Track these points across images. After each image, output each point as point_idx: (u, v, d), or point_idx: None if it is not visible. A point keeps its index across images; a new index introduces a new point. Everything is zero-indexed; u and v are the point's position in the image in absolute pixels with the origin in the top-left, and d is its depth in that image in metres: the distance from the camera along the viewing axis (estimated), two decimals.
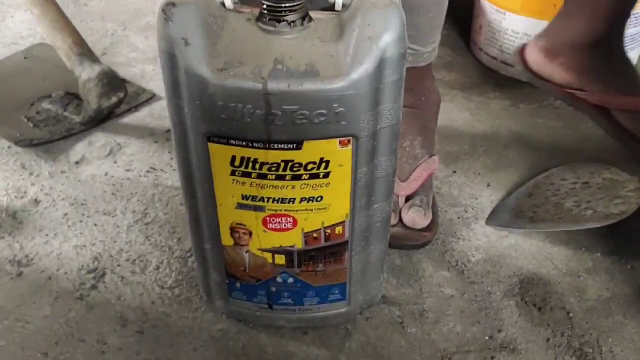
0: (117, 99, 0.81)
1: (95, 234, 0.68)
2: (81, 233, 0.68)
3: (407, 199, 0.67)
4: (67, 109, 0.86)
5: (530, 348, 0.55)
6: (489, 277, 0.62)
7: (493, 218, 0.68)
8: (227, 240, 0.51)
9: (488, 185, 0.74)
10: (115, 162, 0.79)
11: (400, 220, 0.65)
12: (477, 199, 0.72)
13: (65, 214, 0.70)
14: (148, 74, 0.99)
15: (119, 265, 0.63)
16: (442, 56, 1.04)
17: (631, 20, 0.86)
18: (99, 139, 0.83)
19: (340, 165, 0.46)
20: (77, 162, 0.79)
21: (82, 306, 0.59)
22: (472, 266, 0.63)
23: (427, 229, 0.65)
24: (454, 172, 0.76)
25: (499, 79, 0.96)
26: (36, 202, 0.72)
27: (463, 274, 0.62)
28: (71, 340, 0.56)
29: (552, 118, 0.86)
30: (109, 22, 1.17)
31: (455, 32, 1.08)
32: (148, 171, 0.77)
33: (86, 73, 0.79)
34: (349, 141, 0.45)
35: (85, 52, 0.80)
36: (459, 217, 0.70)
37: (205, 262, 0.54)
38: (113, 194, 0.74)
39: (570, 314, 0.58)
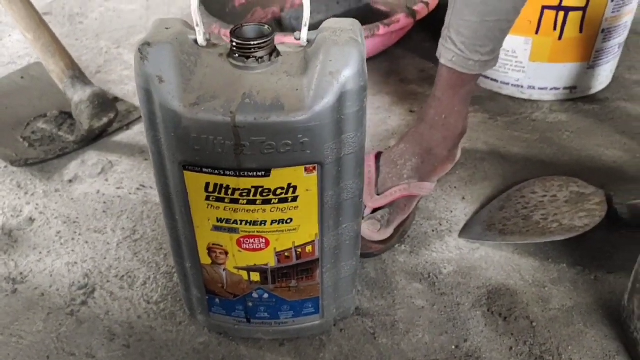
0: (108, 119, 0.84)
1: (86, 251, 0.71)
2: (73, 250, 0.71)
3: (375, 210, 0.70)
4: (61, 128, 0.90)
5: (494, 357, 0.58)
6: (459, 289, 0.65)
7: (466, 231, 0.72)
8: (205, 259, 0.54)
9: (463, 198, 0.77)
10: (106, 180, 0.83)
11: None
12: (452, 212, 0.75)
13: (59, 232, 0.74)
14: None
15: (108, 281, 0.67)
16: (426, 70, 1.07)
17: (605, 35, 0.89)
18: (92, 158, 0.87)
19: (307, 190, 0.49)
20: (70, 181, 0.83)
21: (72, 321, 0.62)
22: (444, 278, 0.66)
23: (381, 242, 0.68)
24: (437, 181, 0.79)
25: (479, 92, 0.99)
26: (31, 220, 0.76)
27: (434, 285, 0.66)
28: (62, 354, 0.59)
29: (527, 131, 0.89)
30: (103, 40, 1.21)
31: None
32: (138, 189, 0.81)
33: (78, 95, 0.83)
34: (314, 168, 0.48)
35: (76, 75, 0.84)
36: (433, 230, 0.73)
37: (186, 279, 0.58)
38: (104, 211, 0.77)
39: (534, 323, 0.61)
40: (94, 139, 0.88)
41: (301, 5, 1.20)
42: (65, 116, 0.92)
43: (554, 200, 0.71)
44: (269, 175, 0.48)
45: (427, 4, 0.98)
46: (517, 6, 0.68)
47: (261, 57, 0.47)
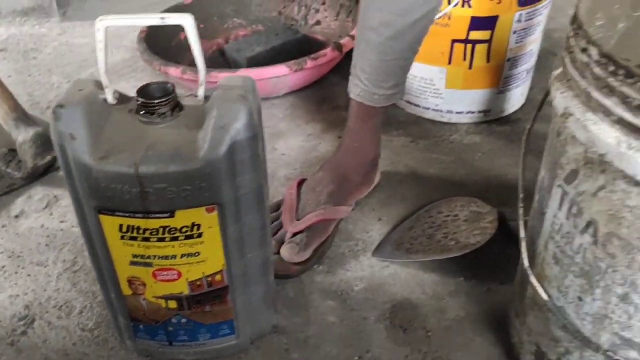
0: (50, 157, 0.90)
1: (28, 283, 0.77)
2: (16, 283, 0.77)
3: (296, 234, 0.77)
4: (9, 165, 0.95)
5: None
6: (367, 304, 0.72)
7: (378, 250, 0.79)
8: (126, 290, 0.60)
9: (379, 219, 0.85)
10: (51, 214, 0.89)
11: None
12: (368, 232, 0.83)
13: (3, 267, 0.79)
14: None
15: (47, 311, 0.72)
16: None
17: (512, 63, 0.97)
18: (38, 193, 0.93)
19: (210, 227, 0.56)
20: (16, 216, 0.88)
21: (12, 351, 0.68)
22: (355, 295, 0.73)
23: (299, 264, 0.75)
24: (353, 208, 0.86)
25: (404, 117, 1.06)
26: None
27: (345, 302, 0.72)
28: None
29: (445, 153, 0.97)
30: (55, 74, 1.26)
31: None
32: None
33: (22, 136, 0.89)
34: (214, 208, 0.55)
35: (20, 116, 0.90)
36: (350, 251, 0.80)
37: (113, 308, 0.64)
38: (47, 245, 0.83)
39: (429, 333, 0.68)
40: (40, 174, 0.94)
41: (243, 37, 1.27)
42: (14, 153, 0.97)
43: (456, 219, 0.79)
44: (173, 216, 0.54)
45: (352, 37, 1.06)
46: (413, 47, 0.75)
47: (164, 113, 0.54)
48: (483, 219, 0.77)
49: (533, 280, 0.54)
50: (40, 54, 1.36)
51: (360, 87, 0.77)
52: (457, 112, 1.02)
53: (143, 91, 0.54)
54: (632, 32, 0.43)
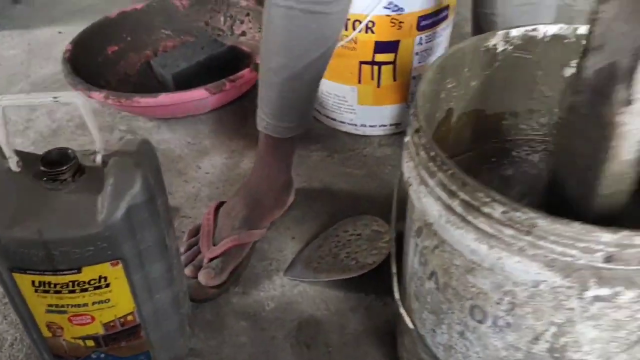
0: None
1: None
2: None
3: (212, 259, 0.84)
4: None
5: None
6: (276, 323, 0.80)
7: (289, 269, 0.86)
8: (46, 333, 0.66)
9: (293, 238, 0.92)
10: None
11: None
12: (282, 252, 0.90)
13: None
14: (18, 147, 1.12)
15: None
16: None
17: (417, 80, 1.04)
18: None
19: (116, 278, 0.62)
20: None
21: None
22: (266, 315, 0.81)
23: (216, 288, 0.82)
24: (269, 228, 0.93)
25: (323, 129, 1.13)
26: None
27: (257, 322, 0.80)
28: None
29: (357, 167, 1.04)
30: None
31: None
32: None
33: None
34: (117, 262, 0.61)
35: None
36: (264, 270, 0.87)
37: (36, 345, 0.70)
38: None
39: (330, 349, 0.76)
40: None
41: (172, 47, 1.30)
42: None
43: (358, 238, 0.87)
44: (80, 272, 0.60)
45: None
46: (312, 85, 0.82)
47: (65, 180, 0.59)
48: (381, 238, 0.85)
49: (402, 310, 0.63)
50: None
51: (265, 120, 0.83)
52: (370, 126, 1.09)
53: (45, 159, 0.60)
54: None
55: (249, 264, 0.88)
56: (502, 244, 0.44)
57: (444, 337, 0.57)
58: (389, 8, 0.92)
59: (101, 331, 0.66)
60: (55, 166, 0.59)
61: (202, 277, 0.82)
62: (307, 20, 0.72)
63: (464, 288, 0.51)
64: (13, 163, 0.60)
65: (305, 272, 0.85)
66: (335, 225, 0.91)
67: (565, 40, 0.61)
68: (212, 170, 1.05)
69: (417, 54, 1.00)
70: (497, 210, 0.43)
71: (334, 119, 1.11)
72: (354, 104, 1.06)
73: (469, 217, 0.45)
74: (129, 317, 0.66)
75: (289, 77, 0.78)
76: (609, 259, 0.41)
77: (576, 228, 0.40)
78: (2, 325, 0.80)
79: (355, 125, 1.09)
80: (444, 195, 0.47)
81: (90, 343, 0.67)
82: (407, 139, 0.55)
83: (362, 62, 1.00)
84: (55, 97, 0.58)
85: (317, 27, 0.73)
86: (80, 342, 0.67)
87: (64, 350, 0.68)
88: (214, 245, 0.85)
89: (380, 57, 0.99)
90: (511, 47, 0.61)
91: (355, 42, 0.97)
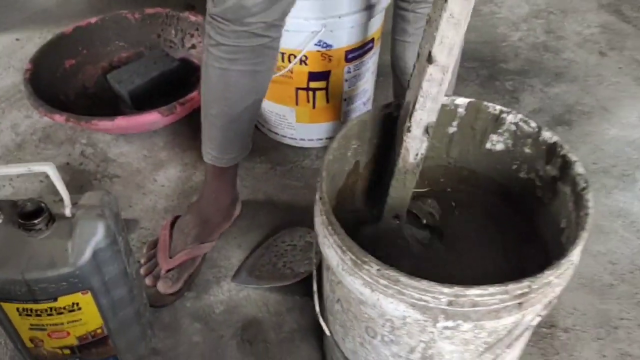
0: None
1: None
2: None
3: (169, 270, 0.98)
4: None
5: None
6: (224, 324, 0.95)
7: (235, 276, 1.01)
8: (29, 344, 0.80)
9: (239, 246, 1.06)
10: None
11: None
12: (229, 260, 1.04)
13: None
14: None
15: None
16: None
17: (348, 102, 1.17)
18: None
19: (86, 303, 0.76)
20: None
21: None
22: (215, 317, 0.96)
23: (173, 295, 0.96)
24: (218, 238, 1.07)
25: (267, 142, 1.26)
26: None
27: (208, 324, 0.95)
28: None
29: (296, 179, 1.19)
30: None
31: None
32: None
33: None
34: (87, 291, 0.74)
35: None
36: (214, 277, 1.02)
37: (21, 353, 0.84)
38: None
39: (269, 345, 0.92)
40: None
41: (126, 58, 1.40)
42: None
43: (294, 248, 1.02)
44: (56, 300, 0.74)
45: None
46: (250, 123, 0.95)
47: (40, 229, 0.72)
48: (312, 250, 1.00)
49: (321, 321, 0.78)
50: None
51: (210, 154, 0.96)
52: (309, 139, 1.22)
53: (22, 212, 0.72)
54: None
55: (201, 271, 1.02)
56: (378, 290, 0.60)
57: (351, 344, 0.73)
58: (319, 45, 1.05)
59: (75, 342, 0.80)
60: (30, 218, 0.71)
61: (160, 287, 0.96)
62: (240, 77, 0.84)
63: (359, 314, 0.67)
64: None
65: (249, 279, 1.00)
66: (275, 236, 1.06)
67: (446, 108, 0.75)
68: (167, 183, 1.18)
69: (346, 80, 1.13)
70: (373, 268, 0.58)
71: (276, 133, 1.24)
72: (293, 122, 1.19)
73: (356, 269, 0.60)
74: (98, 331, 0.80)
75: (228, 120, 0.91)
76: (450, 303, 0.57)
77: (425, 284, 0.56)
78: None
79: (295, 139, 1.23)
80: (339, 252, 0.62)
81: (67, 351, 0.82)
82: (317, 195, 0.69)
83: (298, 88, 1.13)
84: (29, 168, 0.69)
85: (249, 81, 0.85)
86: (58, 350, 0.81)
87: (44, 356, 0.82)
88: (170, 258, 0.99)
89: (314, 84, 1.12)
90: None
91: (292, 72, 1.10)
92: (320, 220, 0.65)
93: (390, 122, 0.76)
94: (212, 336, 0.93)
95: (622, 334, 0.93)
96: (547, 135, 0.71)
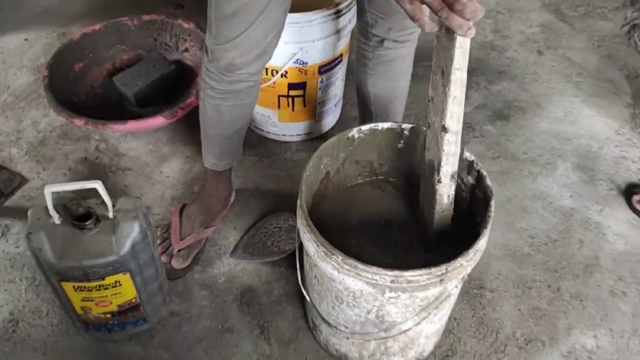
0: None
1: (7, 297, 1.18)
2: None
3: (180, 250, 1.22)
4: None
5: (241, 330, 1.15)
6: (226, 291, 1.20)
7: (233, 253, 1.26)
8: (80, 312, 1.05)
9: (235, 228, 1.31)
10: (7, 241, 1.27)
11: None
12: (227, 239, 1.29)
13: None
14: (14, 157, 1.42)
15: (25, 315, 1.15)
16: None
17: (321, 105, 1.40)
18: None
19: (126, 281, 1.00)
20: None
21: (10, 344, 1.12)
22: (219, 286, 1.21)
23: (184, 269, 1.21)
24: (217, 224, 1.31)
25: (254, 138, 1.48)
26: None
27: (213, 291, 1.20)
28: None
29: (280, 169, 1.42)
30: None
31: None
32: None
33: None
34: (126, 272, 0.98)
35: None
36: (216, 254, 1.26)
37: (71, 317, 1.08)
38: (11, 266, 1.23)
39: (262, 306, 1.18)
40: None
41: (127, 60, 1.59)
42: None
43: (280, 230, 1.27)
44: (104, 280, 0.98)
45: None
46: (240, 139, 1.17)
47: (90, 228, 0.95)
48: (294, 231, 1.25)
49: (303, 290, 1.04)
50: None
51: (210, 161, 1.19)
52: (289, 135, 1.46)
53: (75, 215, 0.95)
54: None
55: (205, 249, 1.27)
56: (343, 272, 0.85)
57: (325, 307, 0.99)
58: (297, 62, 1.27)
59: (115, 309, 1.05)
60: (82, 220, 0.94)
61: (174, 263, 1.20)
62: (230, 109, 1.07)
63: (330, 287, 0.92)
64: (56, 219, 0.94)
65: (244, 255, 1.25)
66: (263, 219, 1.30)
67: (395, 130, 0.99)
68: (172, 174, 1.40)
69: (320, 88, 1.36)
70: (339, 258, 0.83)
71: (262, 130, 1.47)
72: (276, 121, 1.42)
73: (327, 258, 0.85)
74: (133, 300, 1.05)
75: (222, 139, 1.14)
76: (392, 281, 0.83)
77: (374, 269, 0.81)
78: (38, 301, 1.17)
79: (278, 135, 1.46)
80: (314, 245, 0.87)
81: (109, 316, 1.06)
82: (298, 202, 0.93)
83: (280, 96, 1.35)
84: (83, 185, 0.92)
85: (238, 112, 1.08)
86: (102, 315, 1.06)
87: (91, 320, 1.07)
88: (181, 240, 1.23)
89: (293, 93, 1.34)
90: (363, 135, 0.99)
91: (275, 84, 1.32)
92: (301, 222, 0.90)
93: (350, 141, 1.00)
94: (217, 301, 1.19)
95: (534, 293, 1.21)
96: (468, 154, 0.96)
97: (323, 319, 1.02)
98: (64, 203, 0.98)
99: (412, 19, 0.72)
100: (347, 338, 1.00)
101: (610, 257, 1.26)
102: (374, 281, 0.84)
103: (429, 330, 1.01)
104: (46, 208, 0.95)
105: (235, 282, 1.22)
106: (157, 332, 1.14)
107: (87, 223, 0.95)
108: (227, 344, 1.13)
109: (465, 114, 1.50)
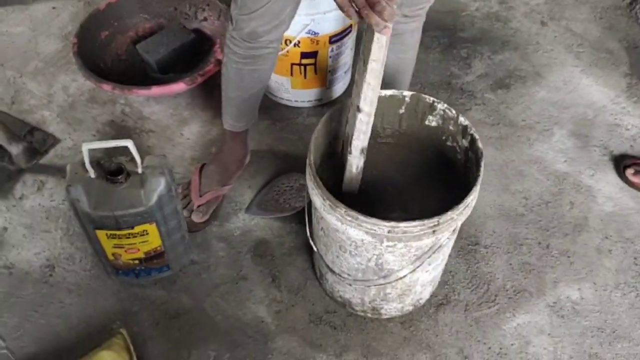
0: (35, 161, 1.39)
1: (43, 245, 1.31)
2: (35, 245, 1.30)
3: (199, 205, 1.33)
4: (3, 160, 1.42)
5: (254, 278, 1.26)
6: (241, 243, 1.32)
7: (248, 209, 1.37)
8: (111, 258, 1.17)
9: (249, 187, 1.41)
10: (43, 195, 1.39)
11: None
12: (243, 197, 1.40)
13: (24, 235, 1.32)
14: (47, 119, 1.54)
15: (60, 262, 1.28)
16: None
17: (332, 73, 1.49)
18: (29, 180, 1.42)
19: (152, 230, 1.12)
20: (20, 198, 1.38)
21: (47, 286, 1.24)
22: (235, 238, 1.33)
23: (203, 223, 1.32)
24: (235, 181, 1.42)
25: (268, 103, 1.58)
26: (5, 229, 1.33)
27: (230, 243, 1.32)
28: (46, 304, 1.22)
29: (292, 133, 1.52)
30: (8, 69, 1.65)
31: None
32: (64, 199, 1.38)
33: (15, 150, 1.36)
34: (153, 222, 1.10)
35: (11, 136, 1.36)
36: (232, 210, 1.37)
37: (103, 263, 1.20)
38: (47, 218, 1.35)
39: (274, 257, 1.29)
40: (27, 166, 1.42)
41: (149, 29, 1.68)
42: (3, 150, 1.43)
43: (291, 189, 1.37)
44: (133, 229, 1.09)
45: None
46: (257, 103, 1.27)
47: (121, 182, 1.06)
48: (304, 189, 1.35)
49: (311, 242, 1.15)
50: None
51: (228, 122, 1.29)
52: (302, 101, 1.55)
53: (108, 170, 1.06)
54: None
55: (223, 206, 1.38)
56: (346, 223, 0.95)
57: (330, 257, 1.10)
58: (309, 33, 1.35)
59: (143, 256, 1.17)
60: (115, 174, 1.05)
61: (194, 217, 1.32)
62: (250, 73, 1.17)
63: (335, 237, 1.03)
64: (91, 173, 1.06)
65: (258, 211, 1.36)
66: (276, 179, 1.41)
67: (397, 97, 1.08)
68: (191, 136, 1.51)
69: (330, 57, 1.44)
70: (342, 210, 0.94)
71: (276, 96, 1.56)
72: (289, 88, 1.51)
73: (332, 211, 0.96)
74: (158, 248, 1.17)
75: (241, 101, 1.24)
76: (389, 231, 0.93)
77: (374, 220, 0.91)
78: (72, 249, 1.30)
79: (291, 100, 1.55)
80: (321, 199, 0.97)
81: (137, 262, 1.18)
82: (307, 162, 1.03)
83: (293, 64, 1.44)
84: (117, 143, 1.02)
85: (257, 76, 1.18)
86: (131, 261, 1.18)
87: (120, 265, 1.19)
88: (200, 197, 1.34)
89: (305, 61, 1.43)
90: None
91: (288, 52, 1.40)
92: (309, 178, 1.00)
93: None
94: (233, 252, 1.30)
95: (525, 249, 1.31)
96: (462, 119, 1.05)
97: (329, 267, 1.14)
98: (97, 160, 1.09)
99: (342, 9, 0.81)
100: (350, 285, 1.12)
101: (598, 217, 1.35)
102: (373, 231, 0.94)
103: (424, 279, 1.12)
104: (83, 164, 1.06)
105: (250, 235, 1.33)
106: (179, 279, 1.26)
107: (119, 177, 1.06)
108: (241, 290, 1.25)
109: (468, 82, 1.61)
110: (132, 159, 1.07)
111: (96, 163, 1.09)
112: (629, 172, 1.40)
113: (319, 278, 1.25)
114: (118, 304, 1.22)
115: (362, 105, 0.92)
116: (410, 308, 1.21)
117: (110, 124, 1.53)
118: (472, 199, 0.98)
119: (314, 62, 1.44)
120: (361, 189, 1.13)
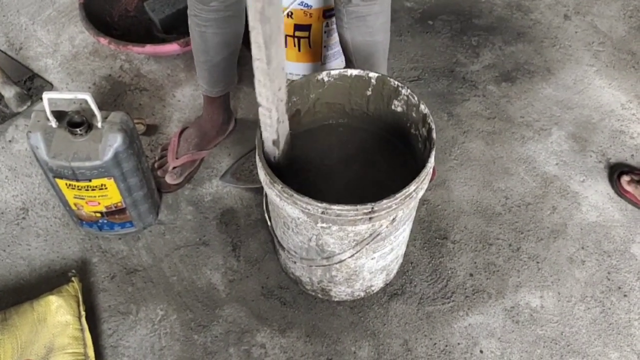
0: (26, 106, 1.43)
1: (22, 188, 1.35)
2: (15, 188, 1.35)
3: (175, 167, 1.35)
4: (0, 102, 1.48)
5: (215, 245, 1.27)
6: (209, 209, 1.32)
7: (222, 177, 1.37)
8: (74, 208, 1.20)
9: (229, 154, 1.41)
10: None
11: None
12: (220, 164, 1.40)
13: (7, 176, 1.37)
14: (49, 67, 1.58)
15: (35, 206, 1.32)
16: None
17: (326, 48, 1.45)
18: (21, 124, 1.46)
19: (111, 185, 1.13)
20: (10, 141, 1.44)
21: (19, 228, 1.29)
22: (205, 204, 1.33)
23: (176, 185, 1.33)
24: (215, 146, 1.42)
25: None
26: None
27: (198, 208, 1.33)
28: (14, 245, 1.27)
29: None
30: (22, 15, 1.70)
31: None
32: None
33: (7, 93, 1.40)
34: (111, 178, 1.12)
35: (5, 79, 1.40)
36: (207, 175, 1.38)
37: (69, 213, 1.24)
38: (31, 163, 1.40)
39: (239, 227, 1.30)
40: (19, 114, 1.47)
41: None
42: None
43: None
44: (90, 182, 1.12)
45: None
46: (231, 68, 1.26)
47: (82, 134, 1.08)
48: None
49: (265, 215, 1.14)
50: None
51: (203, 87, 1.29)
52: (296, 74, 1.53)
53: (70, 121, 1.08)
54: None
55: (199, 170, 1.39)
56: (283, 199, 0.94)
57: (279, 232, 1.10)
58: (301, 5, 1.33)
59: (104, 209, 1.20)
60: (76, 126, 1.07)
61: (167, 178, 1.33)
62: (214, 37, 1.16)
63: (279, 214, 1.02)
64: (53, 122, 1.08)
65: (231, 180, 1.36)
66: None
67: (363, 78, 1.05)
68: (183, 99, 1.52)
69: (325, 32, 1.41)
70: (279, 186, 0.92)
71: None
72: None
73: (271, 186, 0.94)
74: (119, 204, 1.19)
75: (210, 65, 1.23)
76: (323, 212, 0.91)
77: (307, 200, 0.90)
78: (47, 195, 1.34)
79: (288, 73, 1.53)
80: (262, 172, 0.96)
81: (98, 215, 1.21)
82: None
83: (287, 35, 1.41)
84: (75, 96, 1.04)
85: (221, 39, 1.17)
86: (93, 214, 1.21)
87: (83, 216, 1.22)
88: (176, 158, 1.35)
89: (298, 34, 1.40)
90: (332, 79, 1.06)
91: None
92: (258, 152, 0.99)
93: (320, 83, 1.07)
94: (200, 217, 1.31)
95: (494, 249, 1.26)
96: (423, 107, 1.01)
97: (279, 243, 1.13)
98: (65, 110, 1.12)
99: None
100: (295, 262, 1.11)
101: (578, 226, 1.28)
102: (307, 210, 0.92)
103: (371, 266, 1.09)
104: (46, 115, 1.09)
105: (220, 202, 1.34)
106: (143, 236, 1.29)
107: (79, 130, 1.08)
108: (200, 255, 1.26)
109: (472, 72, 1.54)
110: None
111: (60, 113, 1.11)
112: (625, 179, 1.31)
113: (276, 252, 1.25)
114: (80, 253, 1.26)
115: (258, 100, 0.92)
116: (362, 294, 1.19)
117: (107, 78, 1.56)
118: (411, 190, 0.94)
119: (308, 36, 1.41)
120: (325, 170, 1.12)
